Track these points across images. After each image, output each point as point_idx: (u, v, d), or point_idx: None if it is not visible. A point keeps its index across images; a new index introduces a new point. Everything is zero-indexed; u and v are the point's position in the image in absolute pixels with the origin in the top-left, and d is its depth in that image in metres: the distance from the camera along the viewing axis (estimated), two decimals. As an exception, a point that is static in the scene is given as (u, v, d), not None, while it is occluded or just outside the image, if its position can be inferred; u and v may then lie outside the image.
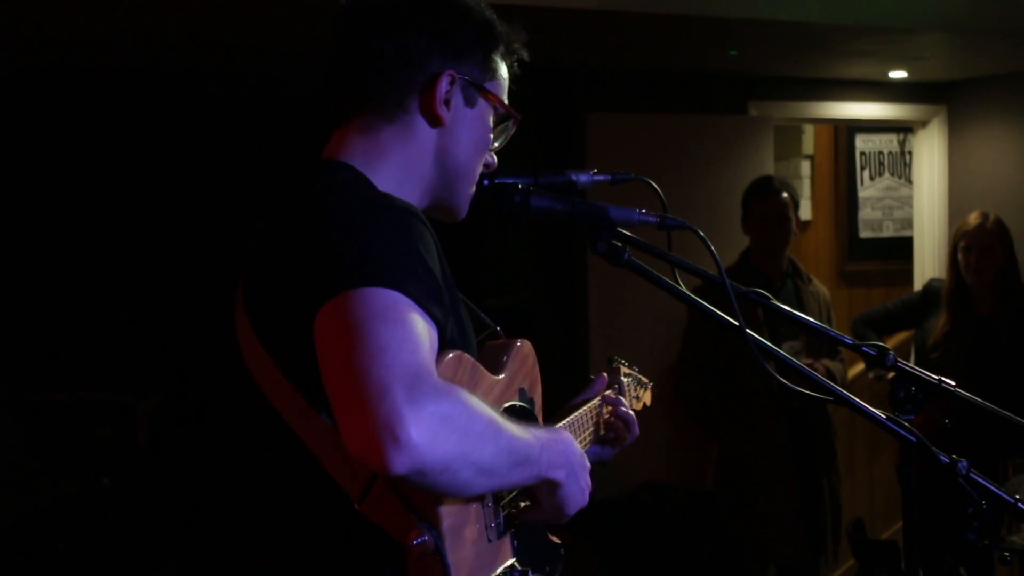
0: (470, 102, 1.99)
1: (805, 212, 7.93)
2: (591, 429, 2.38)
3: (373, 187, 1.88)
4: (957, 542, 1.92)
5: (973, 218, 5.25)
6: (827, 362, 5.18)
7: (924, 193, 7.31)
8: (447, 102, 1.96)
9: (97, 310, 5.82)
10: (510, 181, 2.02)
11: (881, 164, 8.21)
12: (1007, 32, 5.65)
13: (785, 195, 5.27)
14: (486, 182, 2.02)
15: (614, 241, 2.00)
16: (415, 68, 1.94)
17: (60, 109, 6.03)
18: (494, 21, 2.03)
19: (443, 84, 1.94)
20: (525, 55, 2.10)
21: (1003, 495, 1.94)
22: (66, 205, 5.98)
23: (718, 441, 5.44)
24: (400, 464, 1.55)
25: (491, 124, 2.03)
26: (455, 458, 1.60)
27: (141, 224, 6.05)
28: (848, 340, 2.20)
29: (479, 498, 1.84)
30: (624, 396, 2.53)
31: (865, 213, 8.18)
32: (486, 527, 1.86)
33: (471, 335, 2.00)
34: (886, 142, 8.20)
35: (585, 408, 2.38)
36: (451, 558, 1.72)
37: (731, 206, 5.55)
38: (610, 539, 5.79)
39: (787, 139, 7.78)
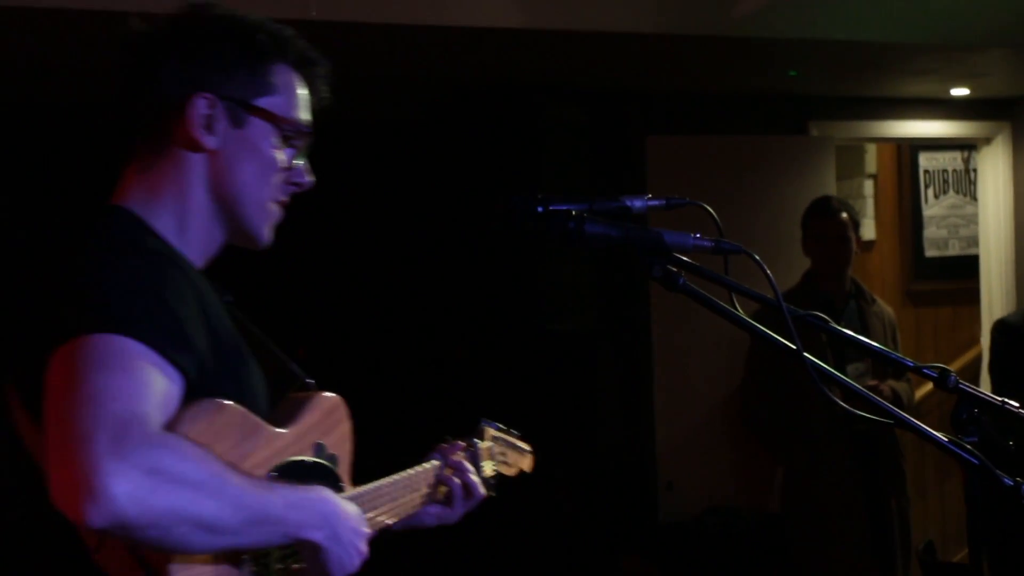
0: (237, 123, 1.91)
1: (869, 232, 7.85)
2: (424, 491, 2.34)
3: (138, 230, 1.83)
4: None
5: None
6: (893, 383, 5.13)
7: (990, 210, 7.22)
8: (209, 126, 1.89)
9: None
10: (564, 208, 2.01)
11: (945, 182, 8.12)
12: (1070, 47, 5.59)
13: (844, 215, 5.23)
14: (540, 208, 2.02)
15: (669, 266, 1.99)
16: (169, 96, 1.88)
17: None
18: (263, 33, 1.94)
19: (196, 108, 1.88)
20: (318, 61, 2.03)
21: (1069, 517, 1.92)
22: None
23: (784, 464, 5.40)
24: (96, 517, 1.49)
25: (274, 143, 1.95)
26: (164, 513, 1.53)
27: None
28: (909, 362, 2.18)
29: (232, 557, 1.72)
30: (478, 461, 2.50)
31: (930, 232, 8.09)
32: None
33: (255, 386, 1.90)
34: (950, 160, 8.12)
35: (419, 469, 2.34)
36: None
37: (793, 228, 5.52)
38: (677, 563, 5.77)
39: (850, 158, 7.72)
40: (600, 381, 6.15)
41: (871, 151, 7.95)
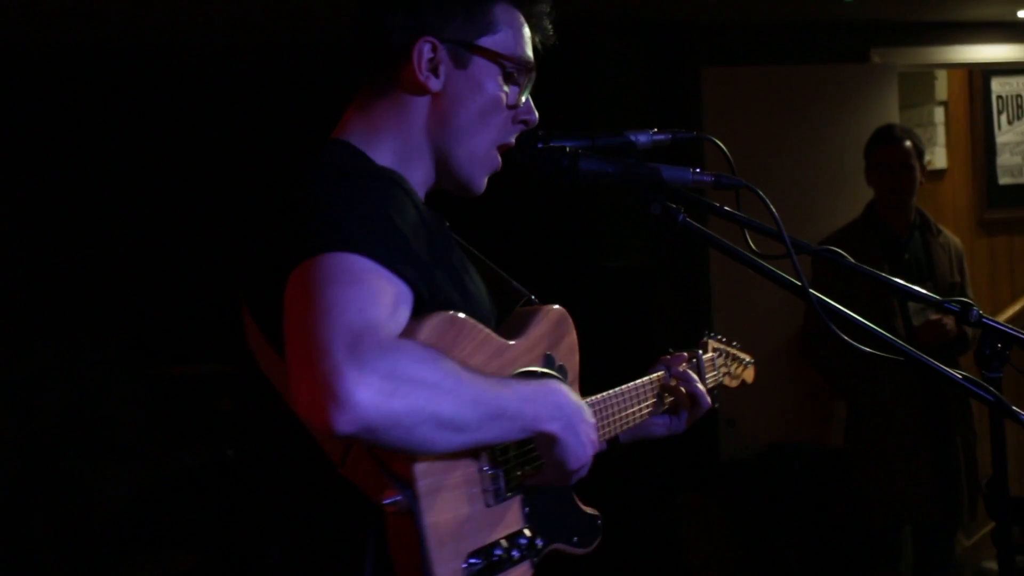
0: (460, 64, 1.94)
1: (940, 160, 7.68)
2: (650, 401, 2.35)
3: (359, 158, 1.88)
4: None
5: None
6: (956, 318, 5.01)
7: (1062, 136, 7.04)
8: (434, 69, 1.92)
9: (217, 284, 5.91)
10: (563, 144, 1.96)
11: (1019, 107, 7.90)
12: None
13: (908, 143, 5.10)
14: (540, 144, 1.97)
15: (668, 203, 1.93)
16: (393, 40, 1.92)
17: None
18: None
19: (421, 51, 1.92)
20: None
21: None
22: (183, 183, 6.06)
23: (848, 400, 5.32)
24: (343, 423, 1.54)
25: (498, 81, 1.97)
26: (406, 414, 1.58)
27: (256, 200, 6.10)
28: (934, 297, 2.14)
29: (472, 460, 1.80)
30: (703, 372, 2.51)
31: (1004, 159, 7.88)
32: (483, 491, 1.83)
33: (480, 300, 1.96)
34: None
35: (644, 380, 2.34)
36: (428, 519, 1.69)
37: (856, 159, 5.41)
38: (739, 500, 5.73)
39: (919, 85, 7.55)
40: (657, 317, 6.10)
41: (942, 77, 7.75)
